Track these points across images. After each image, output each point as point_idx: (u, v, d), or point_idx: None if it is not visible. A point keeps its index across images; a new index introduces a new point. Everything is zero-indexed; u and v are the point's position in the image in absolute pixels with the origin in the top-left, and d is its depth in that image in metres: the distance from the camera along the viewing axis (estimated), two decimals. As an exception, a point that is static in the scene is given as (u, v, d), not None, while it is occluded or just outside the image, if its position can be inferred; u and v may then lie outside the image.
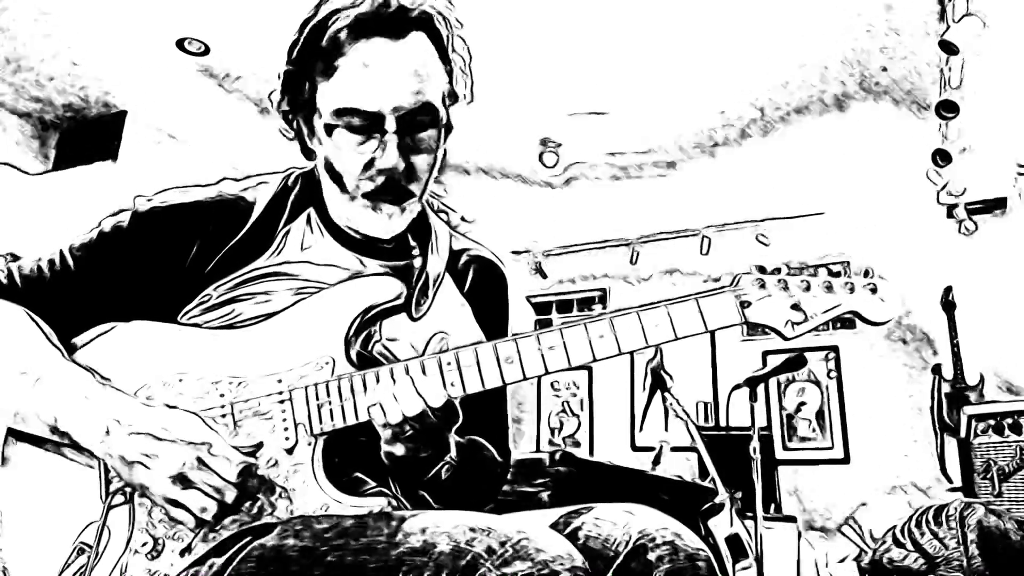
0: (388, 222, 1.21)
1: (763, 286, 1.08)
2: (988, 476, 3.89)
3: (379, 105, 1.14)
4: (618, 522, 1.01)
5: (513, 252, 6.49)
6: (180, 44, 4.06)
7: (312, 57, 1.17)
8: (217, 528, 1.04)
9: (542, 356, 1.06)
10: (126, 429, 1.03)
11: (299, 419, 1.10)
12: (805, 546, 4.59)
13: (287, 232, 1.24)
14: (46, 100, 4.59)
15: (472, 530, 0.89)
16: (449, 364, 1.07)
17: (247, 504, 1.06)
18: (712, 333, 1.07)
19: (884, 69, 4.03)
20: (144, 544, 1.05)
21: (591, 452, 6.16)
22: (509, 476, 1.36)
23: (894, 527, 2.93)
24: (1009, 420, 3.94)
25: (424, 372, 1.07)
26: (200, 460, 1.01)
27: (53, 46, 4.12)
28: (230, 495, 1.02)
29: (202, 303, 1.17)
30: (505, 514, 1.00)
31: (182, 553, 1.04)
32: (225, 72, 4.29)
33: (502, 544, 0.87)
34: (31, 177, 4.61)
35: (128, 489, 1.07)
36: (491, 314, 1.36)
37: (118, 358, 1.14)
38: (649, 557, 0.97)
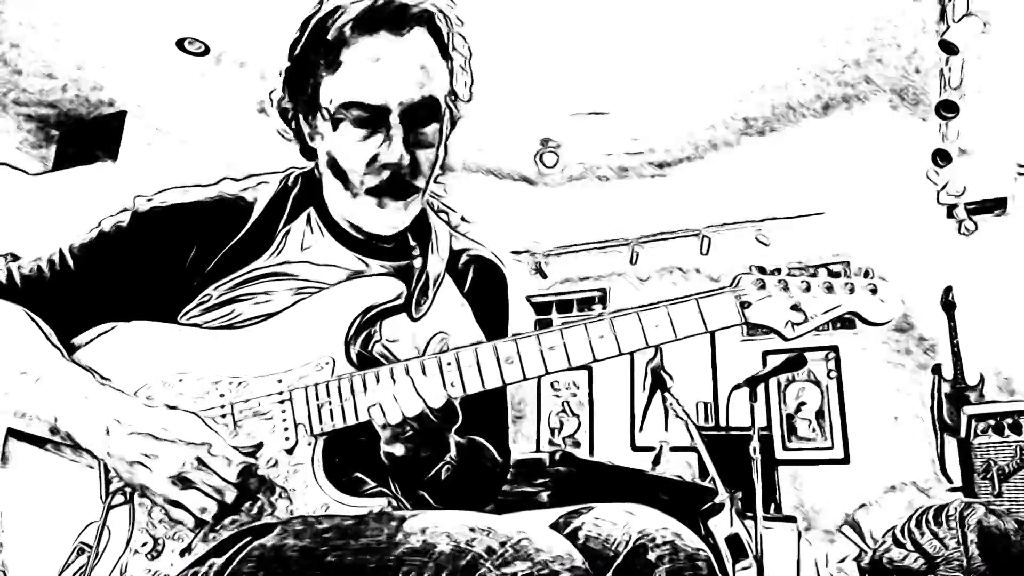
0: (392, 218, 1.21)
1: (763, 287, 1.08)
2: (988, 476, 3.89)
3: (384, 99, 1.14)
4: (618, 522, 1.01)
5: (513, 252, 6.49)
6: (180, 44, 4.06)
7: (316, 53, 1.18)
8: (217, 528, 1.04)
9: (542, 356, 1.06)
10: (126, 429, 1.03)
11: (299, 419, 1.10)
12: (805, 546, 4.59)
13: (287, 232, 1.24)
14: (46, 100, 4.59)
15: (472, 530, 0.89)
16: (449, 364, 1.07)
17: (247, 504, 1.06)
18: (712, 333, 1.07)
19: (879, 60, 4.03)
20: (144, 544, 1.05)
21: (591, 452, 6.17)
22: (509, 476, 1.36)
23: (894, 527, 2.93)
24: (1009, 420, 3.95)
25: (424, 372, 1.07)
26: (200, 460, 1.01)
27: (53, 46, 4.12)
28: (230, 495, 1.02)
29: (202, 303, 1.17)
30: (505, 514, 1.00)
31: (182, 553, 1.04)
32: (225, 72, 4.29)
33: (502, 544, 0.87)
34: (31, 177, 4.61)
35: (128, 489, 1.07)
36: (491, 314, 1.36)
37: (118, 358, 1.14)
38: (649, 557, 0.97)
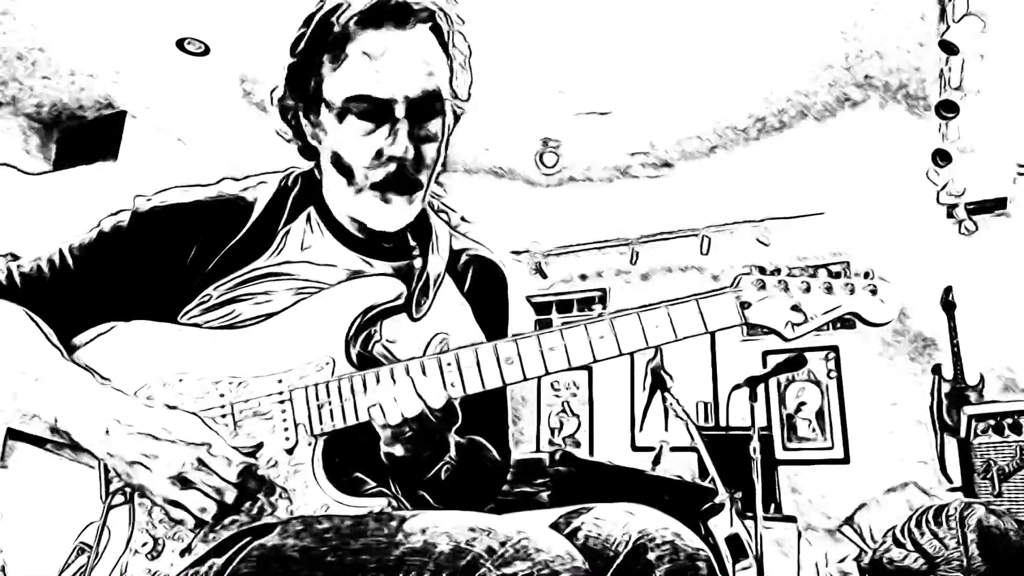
0: (396, 213, 1.21)
1: (763, 287, 1.08)
2: (988, 476, 3.89)
3: (389, 92, 1.15)
4: (618, 522, 1.01)
5: (513, 252, 6.50)
6: (180, 44, 4.06)
7: (320, 48, 1.18)
8: (217, 528, 1.04)
9: (542, 356, 1.06)
10: (126, 429, 1.03)
11: (299, 419, 1.10)
12: (805, 546, 4.59)
13: (287, 232, 1.24)
14: (46, 100, 4.59)
15: (472, 530, 0.89)
16: (449, 364, 1.07)
17: (247, 505, 1.06)
18: (712, 334, 1.07)
19: (879, 60, 4.03)
20: (144, 544, 1.05)
21: (591, 452, 6.16)
22: (509, 476, 1.36)
23: (894, 527, 2.93)
24: (1009, 420, 3.95)
25: (424, 373, 1.07)
26: (200, 460, 1.01)
27: (54, 46, 4.12)
28: (230, 495, 1.02)
29: (202, 303, 1.17)
30: (505, 514, 1.00)
31: (182, 553, 1.04)
32: (225, 72, 4.29)
33: (502, 544, 0.87)
34: (31, 177, 4.61)
35: (128, 489, 1.07)
36: (491, 314, 1.36)
37: (118, 358, 1.14)
38: (649, 557, 0.97)
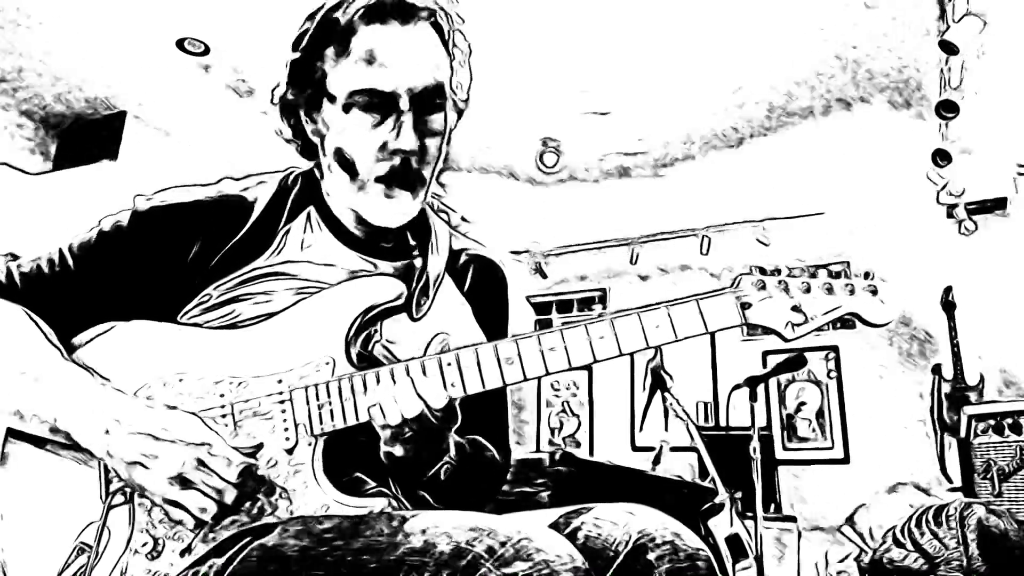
0: (400, 208, 1.21)
1: (763, 287, 1.08)
2: (988, 476, 3.89)
3: (394, 85, 1.15)
4: (618, 522, 1.01)
5: (513, 252, 6.49)
6: (180, 44, 4.06)
7: (324, 42, 1.19)
8: (217, 529, 1.04)
9: (543, 357, 1.06)
10: (126, 429, 1.03)
11: (299, 419, 1.10)
12: (805, 546, 4.59)
13: (287, 231, 1.24)
14: (46, 100, 4.59)
15: (473, 530, 0.89)
16: (449, 364, 1.07)
17: (247, 505, 1.06)
18: (712, 334, 1.07)
19: (879, 60, 4.03)
20: (144, 544, 1.05)
21: (591, 452, 6.17)
22: (509, 476, 1.36)
23: (894, 527, 2.93)
24: (1009, 420, 3.94)
25: (424, 373, 1.07)
26: (200, 461, 1.01)
27: (53, 46, 4.12)
28: (230, 496, 1.02)
29: (202, 303, 1.17)
30: (505, 514, 1.00)
31: (182, 553, 1.04)
32: (226, 72, 4.29)
33: (502, 544, 0.87)
34: (31, 177, 4.61)
35: (128, 489, 1.07)
36: (491, 314, 1.36)
37: (118, 358, 1.14)
38: (649, 557, 0.97)
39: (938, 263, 5.08)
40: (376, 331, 1.20)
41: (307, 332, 1.14)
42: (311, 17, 1.21)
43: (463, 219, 1.46)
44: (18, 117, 4.72)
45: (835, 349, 5.52)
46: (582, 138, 4.82)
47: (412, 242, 1.31)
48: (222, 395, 1.11)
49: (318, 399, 1.10)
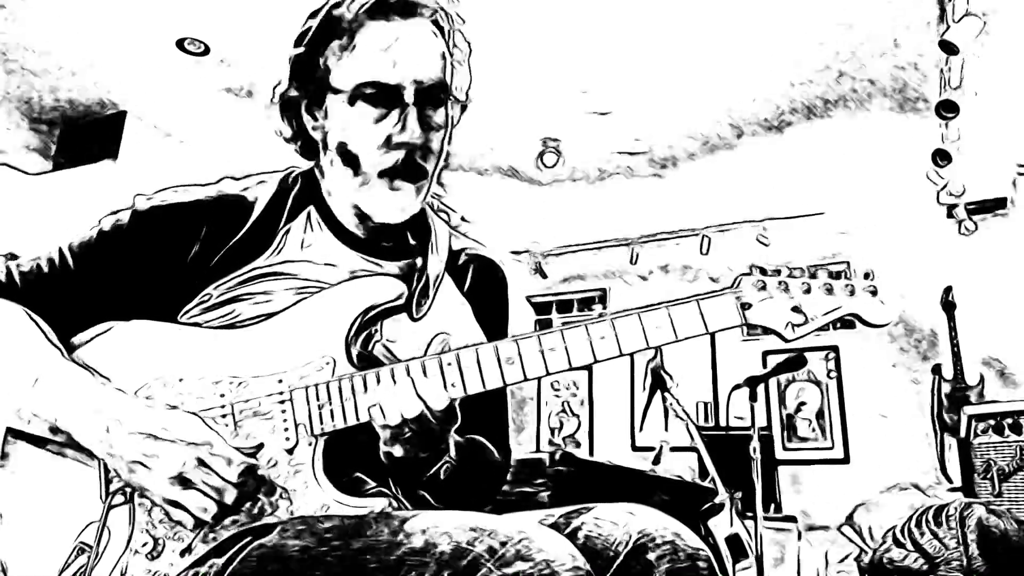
0: (403, 203, 1.21)
1: (764, 288, 1.08)
2: (988, 476, 3.89)
3: (400, 78, 1.17)
4: (618, 522, 1.01)
5: (513, 252, 6.50)
6: (180, 44, 4.06)
7: (328, 37, 1.20)
8: (217, 529, 1.04)
9: (543, 357, 1.06)
10: (126, 429, 1.03)
11: (299, 419, 1.10)
12: (805, 546, 4.59)
13: (287, 231, 1.24)
14: (47, 100, 4.59)
15: (473, 530, 0.89)
16: (450, 364, 1.07)
17: (247, 505, 1.06)
18: (712, 334, 1.07)
19: (879, 60, 4.03)
20: (144, 544, 1.05)
21: (591, 452, 6.17)
22: (509, 476, 1.36)
23: (894, 527, 2.93)
24: (1009, 420, 3.94)
25: (425, 373, 1.07)
26: (200, 460, 1.01)
27: (54, 46, 4.12)
28: (230, 496, 1.02)
29: (202, 302, 1.17)
30: (505, 514, 1.00)
31: (182, 553, 1.04)
32: (226, 72, 4.29)
33: (503, 544, 0.87)
34: (31, 177, 4.61)
35: (128, 489, 1.07)
36: (491, 313, 1.36)
37: (118, 357, 1.14)
38: (649, 557, 0.97)
39: (938, 263, 5.08)
40: (376, 331, 1.20)
41: (307, 332, 1.14)
42: (314, 15, 1.23)
43: (463, 219, 1.46)
44: (18, 117, 4.72)
45: (835, 349, 5.53)
46: (582, 138, 4.82)
47: (412, 241, 1.31)
48: (222, 395, 1.11)
49: (318, 399, 1.10)
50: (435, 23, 1.22)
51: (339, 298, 1.16)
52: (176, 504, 1.01)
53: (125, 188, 1.33)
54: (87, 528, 1.06)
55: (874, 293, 1.09)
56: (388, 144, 1.18)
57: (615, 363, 1.09)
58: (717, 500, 3.16)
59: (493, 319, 1.36)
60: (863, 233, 5.33)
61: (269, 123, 1.30)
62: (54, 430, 1.06)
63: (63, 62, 4.24)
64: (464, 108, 1.30)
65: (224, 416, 1.10)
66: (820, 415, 5.54)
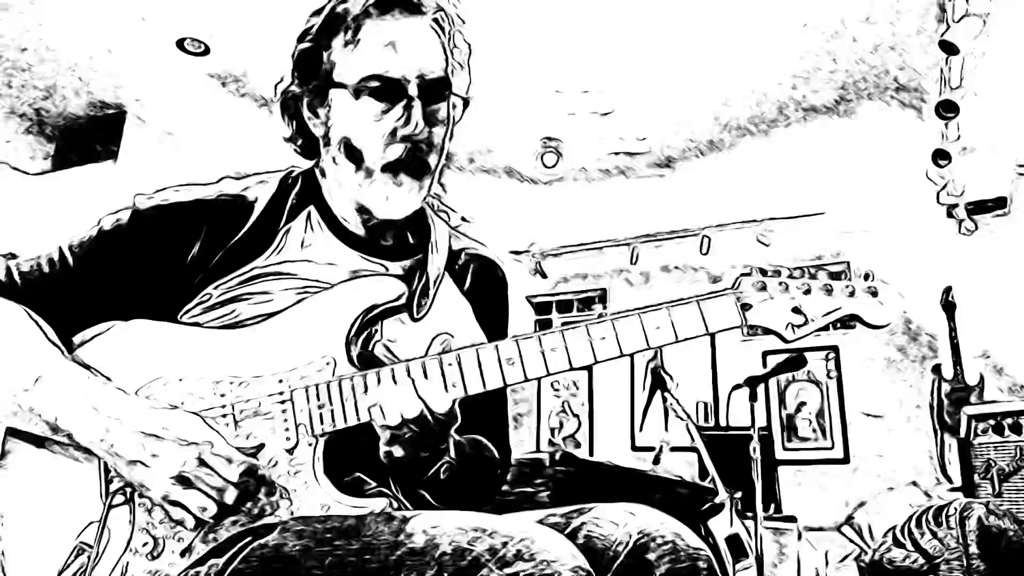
0: (406, 198, 1.22)
1: (764, 288, 1.08)
2: (988, 476, 3.89)
3: (403, 72, 1.18)
4: (618, 522, 1.01)
5: (513, 252, 6.49)
6: (180, 44, 4.06)
7: (333, 32, 1.22)
8: (217, 528, 1.04)
9: (543, 357, 1.07)
10: (127, 428, 1.03)
11: (300, 419, 1.10)
12: (805, 546, 4.59)
13: (288, 231, 1.24)
14: (46, 100, 4.59)
15: (474, 530, 0.89)
16: (451, 365, 1.07)
17: (247, 505, 1.06)
18: (712, 335, 1.07)
19: (879, 60, 4.03)
20: (144, 544, 1.05)
21: (591, 452, 6.16)
22: (509, 476, 1.36)
23: (894, 527, 2.93)
24: (1009, 420, 3.94)
25: (426, 374, 1.07)
26: (201, 460, 1.01)
27: (53, 46, 4.12)
28: (230, 495, 1.02)
29: (202, 302, 1.17)
30: (505, 514, 1.00)
31: (182, 553, 1.04)
32: (226, 72, 4.29)
33: (504, 544, 0.87)
34: (31, 177, 4.61)
35: (128, 489, 1.07)
36: (491, 313, 1.37)
37: (118, 357, 1.14)
38: (649, 557, 0.97)
39: (938, 263, 5.08)
40: (377, 331, 1.20)
41: (308, 332, 1.14)
42: (317, 12, 1.24)
43: (463, 219, 1.46)
44: (18, 117, 4.72)
45: (835, 349, 5.52)
46: (582, 138, 4.81)
47: (412, 241, 1.31)
48: (223, 395, 1.11)
49: (319, 399, 1.10)
50: (436, 22, 1.23)
51: (339, 298, 1.16)
52: (176, 504, 1.01)
53: (125, 188, 1.33)
54: (87, 528, 1.06)
55: (874, 294, 1.09)
56: (393, 138, 1.19)
57: (615, 363, 1.08)
58: (717, 500, 3.16)
59: (493, 319, 1.36)
60: (863, 233, 5.33)
61: (269, 123, 1.30)
62: (55, 429, 1.06)
63: (64, 62, 4.24)
64: (466, 105, 1.31)
65: (224, 416, 1.10)
66: (820, 415, 5.53)
